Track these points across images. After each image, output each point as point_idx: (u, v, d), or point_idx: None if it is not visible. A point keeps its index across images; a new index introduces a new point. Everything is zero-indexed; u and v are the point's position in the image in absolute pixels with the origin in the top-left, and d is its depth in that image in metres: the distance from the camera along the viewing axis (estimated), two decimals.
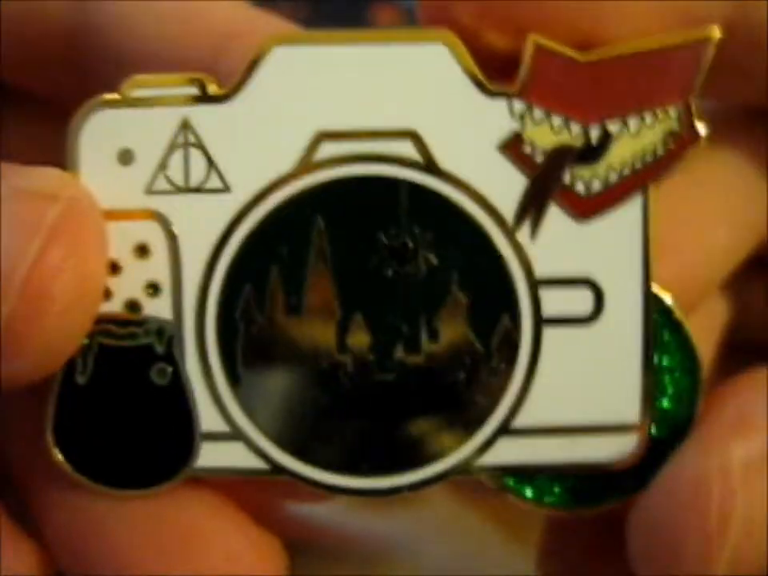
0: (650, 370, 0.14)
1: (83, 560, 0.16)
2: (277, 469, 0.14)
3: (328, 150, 0.13)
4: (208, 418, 0.14)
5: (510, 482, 0.15)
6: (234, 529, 0.16)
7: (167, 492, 0.15)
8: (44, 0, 0.16)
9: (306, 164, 0.13)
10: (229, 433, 0.14)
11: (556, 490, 0.15)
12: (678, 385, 0.14)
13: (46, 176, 0.14)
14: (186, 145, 0.14)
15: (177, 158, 0.14)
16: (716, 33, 0.13)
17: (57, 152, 0.15)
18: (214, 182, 0.14)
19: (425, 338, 0.14)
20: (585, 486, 0.14)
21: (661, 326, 0.14)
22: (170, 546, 0.16)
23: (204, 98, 0.14)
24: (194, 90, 0.14)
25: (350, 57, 0.13)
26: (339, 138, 0.13)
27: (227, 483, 0.15)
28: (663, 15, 0.14)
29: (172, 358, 0.14)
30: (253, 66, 0.14)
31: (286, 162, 0.13)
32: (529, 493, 0.15)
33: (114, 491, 0.15)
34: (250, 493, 0.16)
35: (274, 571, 0.17)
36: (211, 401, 0.14)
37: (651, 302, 0.13)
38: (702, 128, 0.14)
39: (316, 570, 0.27)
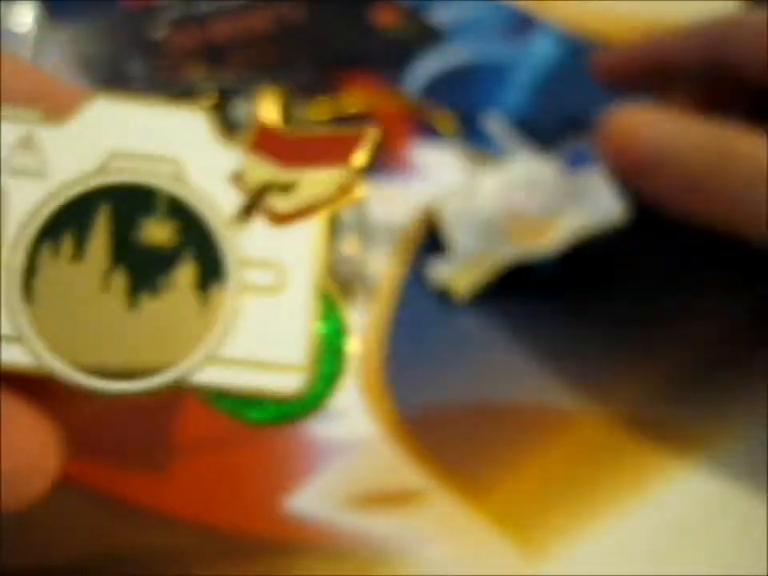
0: (314, 329, 0.21)
1: None
2: (44, 369, 0.20)
3: (119, 163, 0.21)
4: (5, 325, 0.20)
5: (212, 398, 0.21)
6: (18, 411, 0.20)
7: None
8: None
9: (102, 169, 0.21)
10: (14, 336, 0.20)
11: (253, 410, 0.21)
12: (332, 342, 0.21)
13: None
14: (28, 147, 0.21)
15: (20, 155, 0.21)
16: (373, 132, 0.21)
17: None
18: (40, 172, 0.21)
19: (161, 287, 0.21)
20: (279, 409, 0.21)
21: (326, 302, 0.21)
22: None
23: (44, 122, 0.21)
24: (39, 114, 0.21)
25: (142, 112, 0.21)
26: (127, 157, 0.21)
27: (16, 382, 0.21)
28: None
29: None
30: (81, 107, 0.21)
31: (90, 166, 0.21)
32: (226, 405, 0.21)
33: None
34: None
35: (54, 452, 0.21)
36: (9, 314, 0.20)
37: (320, 284, 0.21)
38: (359, 190, 0.21)
39: (316, 570, 0.27)
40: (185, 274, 0.21)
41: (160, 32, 0.42)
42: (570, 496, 0.28)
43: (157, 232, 0.21)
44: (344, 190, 0.21)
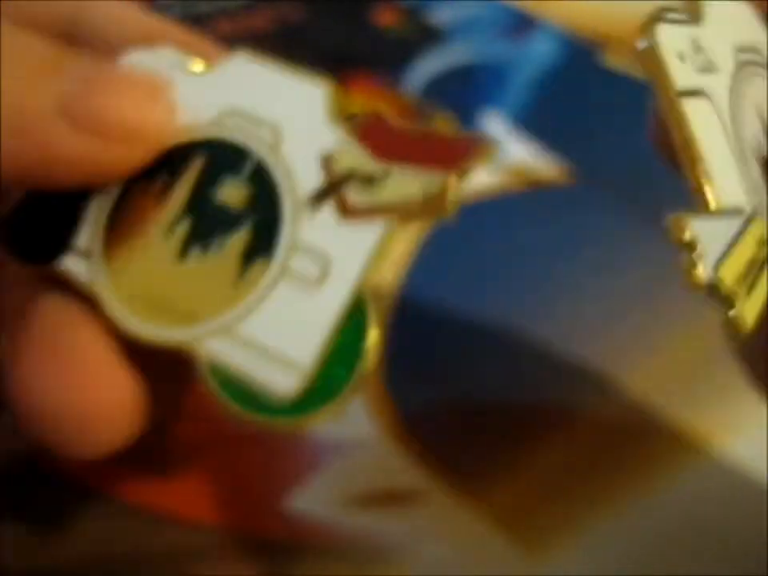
0: (333, 336, 0.19)
1: None
2: (94, 291, 0.21)
3: (229, 120, 0.21)
4: (82, 237, 0.21)
5: (211, 376, 0.20)
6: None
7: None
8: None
9: (213, 122, 0.21)
10: (84, 250, 0.21)
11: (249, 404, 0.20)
12: (347, 355, 0.19)
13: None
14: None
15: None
16: (489, 146, 0.20)
17: None
18: None
19: (211, 248, 0.20)
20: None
21: (358, 312, 0.19)
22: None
23: (184, 69, 0.21)
24: (179, 57, 0.22)
25: (270, 75, 0.21)
26: (238, 116, 0.21)
27: None
28: None
29: None
30: (219, 59, 0.22)
31: (205, 118, 0.21)
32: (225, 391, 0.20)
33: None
34: None
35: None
36: (89, 230, 0.21)
37: (359, 292, 0.19)
38: (448, 206, 0.19)
39: (316, 570, 0.27)
40: (238, 241, 0.20)
41: None
42: (570, 495, 0.28)
43: (232, 193, 0.20)
44: (430, 200, 0.19)
